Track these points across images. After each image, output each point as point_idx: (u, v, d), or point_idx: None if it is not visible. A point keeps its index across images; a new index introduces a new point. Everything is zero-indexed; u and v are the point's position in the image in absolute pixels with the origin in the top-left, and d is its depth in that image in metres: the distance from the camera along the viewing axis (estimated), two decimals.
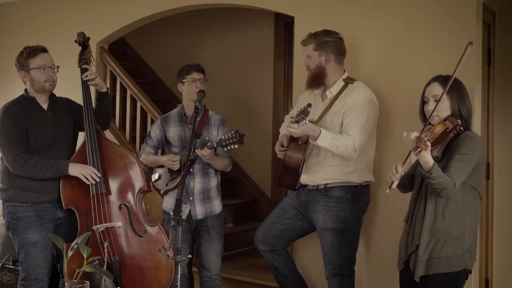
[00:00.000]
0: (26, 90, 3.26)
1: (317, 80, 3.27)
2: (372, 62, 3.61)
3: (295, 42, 3.99)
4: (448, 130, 2.48)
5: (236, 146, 3.18)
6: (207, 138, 3.41)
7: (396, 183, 2.49)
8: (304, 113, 2.86)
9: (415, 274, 2.55)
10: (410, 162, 2.65)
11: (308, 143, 3.21)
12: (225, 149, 3.21)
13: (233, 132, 3.19)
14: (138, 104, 5.00)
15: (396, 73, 3.52)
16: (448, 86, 2.50)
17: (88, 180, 3.10)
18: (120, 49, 6.56)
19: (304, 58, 3.32)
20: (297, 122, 2.88)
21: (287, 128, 3.01)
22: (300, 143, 3.21)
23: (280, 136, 3.48)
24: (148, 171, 3.33)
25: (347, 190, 3.22)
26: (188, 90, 3.43)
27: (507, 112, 4.05)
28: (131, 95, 5.05)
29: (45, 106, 3.24)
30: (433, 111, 2.54)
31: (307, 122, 2.87)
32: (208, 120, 3.46)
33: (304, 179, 3.30)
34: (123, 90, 5.11)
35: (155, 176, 3.54)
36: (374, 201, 3.54)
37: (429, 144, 2.33)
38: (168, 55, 6.47)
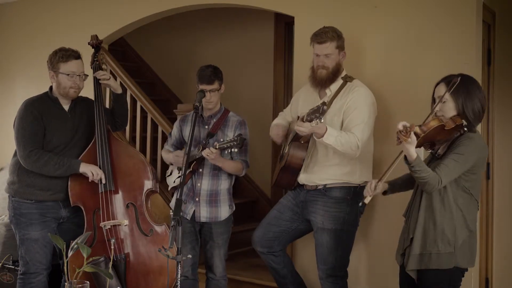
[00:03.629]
0: (51, 88, 3.28)
1: (333, 78, 3.22)
2: (372, 62, 3.61)
3: (295, 42, 3.99)
4: (446, 128, 2.49)
5: (235, 150, 3.13)
6: (221, 140, 3.29)
7: (369, 198, 2.60)
8: (319, 112, 2.80)
9: (407, 267, 2.60)
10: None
11: (309, 141, 3.20)
12: (225, 152, 3.16)
13: (235, 135, 3.14)
14: (138, 104, 5.00)
15: (396, 73, 3.52)
16: (450, 89, 2.51)
17: (93, 177, 3.14)
18: (120, 49, 6.56)
19: (315, 57, 3.22)
20: (310, 121, 2.83)
21: (296, 127, 2.96)
22: (302, 142, 3.19)
23: (272, 124, 3.47)
24: (155, 171, 3.35)
25: (347, 191, 3.22)
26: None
27: (507, 112, 4.06)
28: (131, 95, 5.04)
29: (66, 107, 3.27)
30: (433, 109, 2.56)
31: (322, 121, 2.82)
32: (226, 121, 3.39)
33: (303, 178, 3.29)
34: (123, 90, 5.09)
35: (168, 171, 3.54)
36: (372, 200, 3.53)
37: (412, 136, 2.37)
38: (168, 55, 6.47)
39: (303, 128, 2.91)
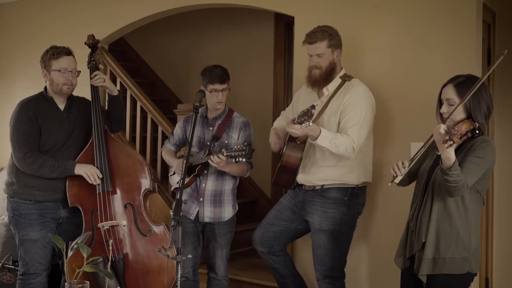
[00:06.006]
0: (45, 88, 3.28)
1: (328, 78, 3.20)
2: (372, 62, 3.61)
3: (295, 42, 3.99)
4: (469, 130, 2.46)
5: (243, 159, 3.09)
6: (226, 142, 3.31)
7: (399, 178, 2.50)
8: (307, 115, 2.82)
9: (419, 272, 2.53)
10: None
11: (306, 142, 3.20)
12: (233, 160, 3.12)
13: (244, 144, 3.10)
14: (138, 104, 5.00)
15: (396, 73, 3.52)
16: (465, 99, 2.43)
17: (90, 179, 3.14)
18: (120, 49, 6.56)
19: (309, 58, 3.21)
20: (300, 123, 2.84)
21: (287, 128, 2.98)
22: (299, 142, 3.19)
23: (272, 128, 3.43)
24: (154, 171, 3.34)
25: (344, 192, 3.20)
26: (210, 99, 3.30)
27: (507, 112, 4.05)
28: (131, 95, 5.05)
29: (62, 106, 3.27)
30: (449, 115, 2.48)
31: (310, 124, 2.84)
32: (231, 122, 3.37)
33: (301, 179, 3.28)
34: (123, 90, 5.10)
35: (171, 171, 3.54)
36: (373, 202, 3.54)
37: (459, 138, 2.27)
38: (168, 55, 6.47)
39: (294, 130, 2.93)
